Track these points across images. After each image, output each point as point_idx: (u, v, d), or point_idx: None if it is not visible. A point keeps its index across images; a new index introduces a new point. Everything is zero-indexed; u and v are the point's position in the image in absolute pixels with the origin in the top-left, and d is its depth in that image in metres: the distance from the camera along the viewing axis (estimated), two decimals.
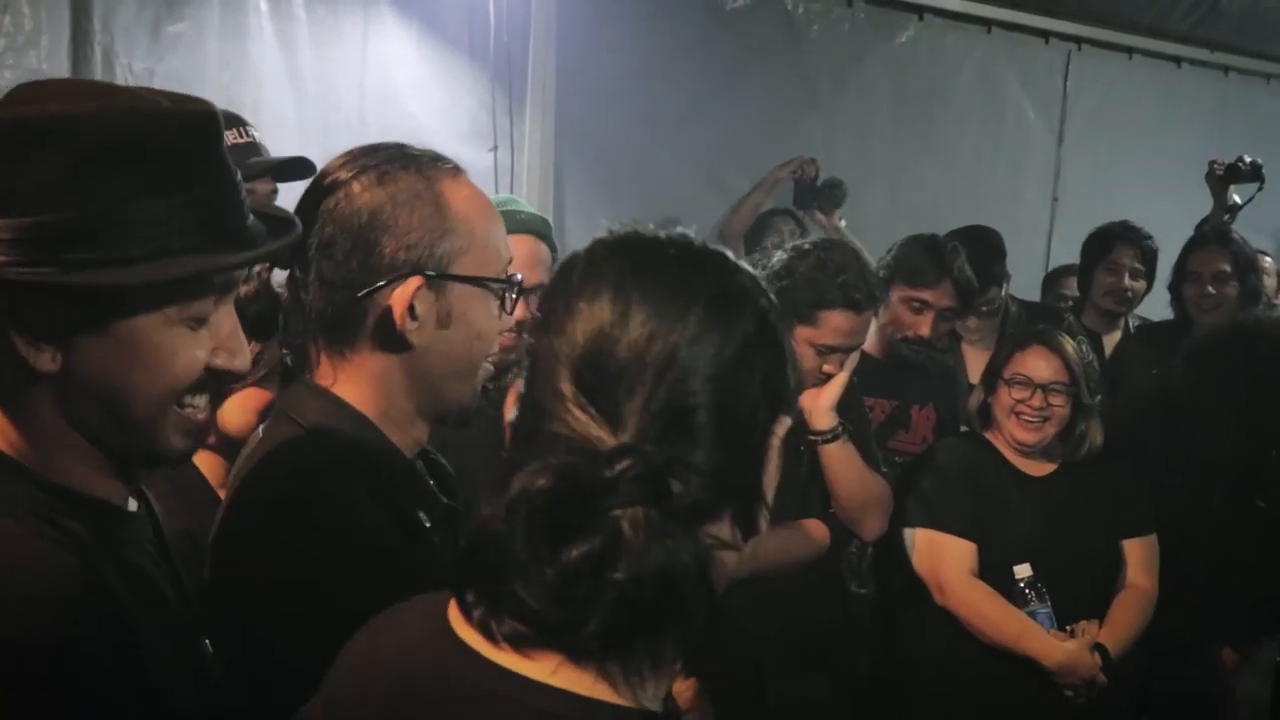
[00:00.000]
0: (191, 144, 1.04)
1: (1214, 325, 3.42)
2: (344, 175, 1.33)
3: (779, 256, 2.52)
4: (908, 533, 2.72)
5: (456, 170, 1.38)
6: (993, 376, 2.79)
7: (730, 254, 0.96)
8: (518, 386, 1.00)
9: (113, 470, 1.08)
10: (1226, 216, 4.24)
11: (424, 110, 3.73)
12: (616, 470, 0.81)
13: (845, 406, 2.66)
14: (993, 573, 2.65)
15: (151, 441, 1.07)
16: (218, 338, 1.08)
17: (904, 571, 2.75)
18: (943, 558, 2.66)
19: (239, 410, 1.83)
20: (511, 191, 3.71)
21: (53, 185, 0.96)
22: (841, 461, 2.51)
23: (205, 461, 1.86)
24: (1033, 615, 2.60)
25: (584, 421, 0.85)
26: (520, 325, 1.39)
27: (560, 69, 3.93)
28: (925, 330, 3.02)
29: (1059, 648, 2.56)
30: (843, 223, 4.14)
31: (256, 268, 1.36)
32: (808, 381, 2.48)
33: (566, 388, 0.87)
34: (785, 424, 0.93)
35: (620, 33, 4.10)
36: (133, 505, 1.14)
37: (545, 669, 0.85)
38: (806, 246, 2.53)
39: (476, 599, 0.88)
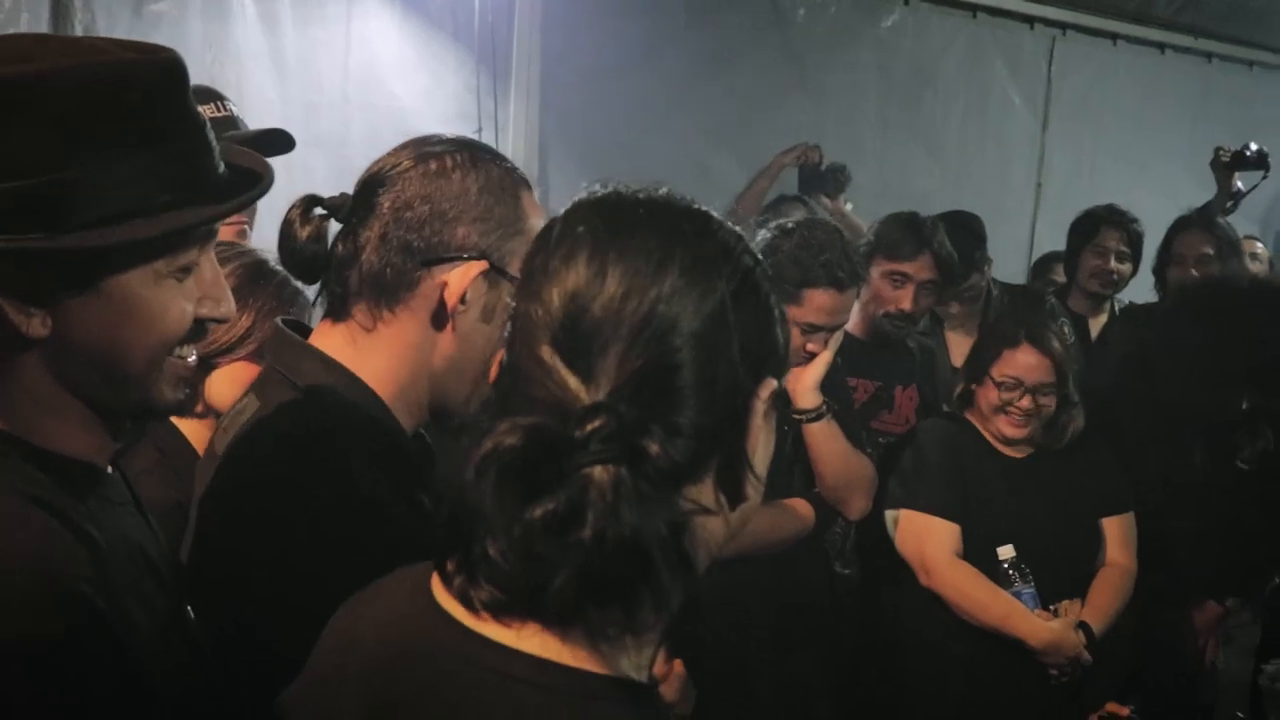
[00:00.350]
0: (163, 95, 1.02)
1: (1188, 280, 3.45)
2: (429, 153, 1.33)
3: (762, 235, 2.51)
4: (891, 514, 2.73)
5: (529, 183, 1.39)
6: (979, 370, 2.78)
7: (714, 212, 0.94)
8: (500, 355, 1.00)
9: (100, 429, 1.07)
10: (1230, 204, 4.26)
11: (408, 92, 3.72)
12: (588, 429, 0.79)
13: (829, 387, 2.66)
14: (976, 554, 2.66)
15: (146, 395, 1.07)
16: (202, 286, 1.08)
17: (887, 553, 2.76)
18: (927, 540, 2.67)
19: (228, 383, 1.81)
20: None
21: (30, 148, 0.94)
22: (826, 440, 2.52)
23: (194, 432, 1.84)
24: (1017, 596, 2.60)
25: (559, 382, 0.84)
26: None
27: (545, 51, 3.93)
28: (907, 304, 3.02)
29: (1044, 628, 2.57)
30: (849, 206, 4.15)
31: (314, 213, 1.34)
32: (792, 360, 2.48)
33: (544, 350, 0.86)
34: (770, 386, 0.91)
35: (606, 15, 4.09)
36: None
37: (525, 637, 0.83)
38: (789, 225, 2.53)
39: (456, 567, 0.87)
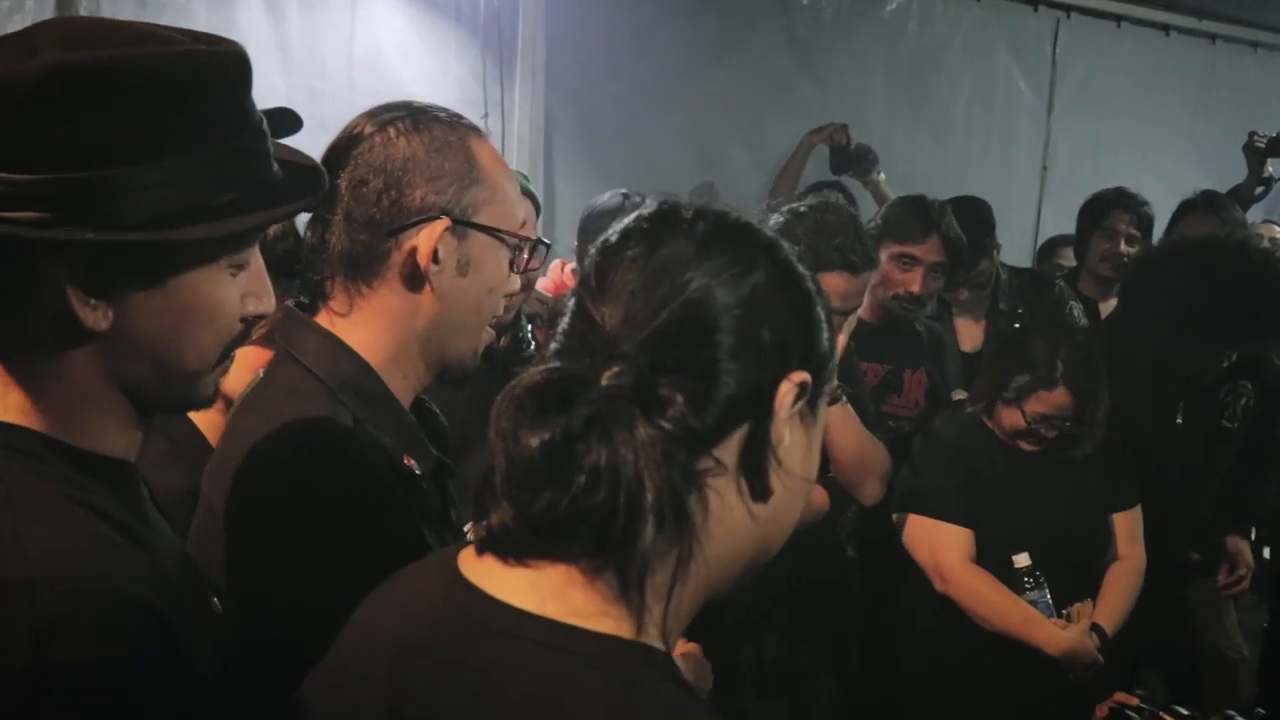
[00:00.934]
0: (231, 90, 1.01)
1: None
2: (376, 124, 1.36)
3: (775, 219, 2.51)
4: (901, 517, 2.71)
5: (479, 130, 1.42)
6: (1008, 395, 2.66)
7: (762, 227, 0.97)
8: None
9: (135, 424, 1.06)
10: (1260, 189, 4.24)
11: (413, 77, 3.70)
12: (609, 373, 0.84)
13: (843, 371, 2.65)
14: (989, 558, 2.64)
15: (193, 390, 1.07)
16: (250, 282, 1.08)
17: (892, 547, 2.75)
18: (940, 546, 2.64)
19: (239, 368, 1.81)
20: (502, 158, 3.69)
21: (99, 139, 0.92)
22: (841, 424, 2.51)
23: (203, 419, 1.84)
24: (1033, 603, 2.59)
25: (596, 329, 0.87)
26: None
27: (550, 36, 3.91)
28: (916, 286, 3.02)
29: (1061, 636, 2.55)
30: (882, 176, 4.16)
31: None
32: None
33: (589, 304, 0.89)
34: (801, 376, 0.91)
35: (610, 0, 4.08)
36: None
37: (549, 602, 0.85)
38: (802, 209, 2.52)
39: (477, 508, 0.89)
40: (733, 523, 0.91)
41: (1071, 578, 2.65)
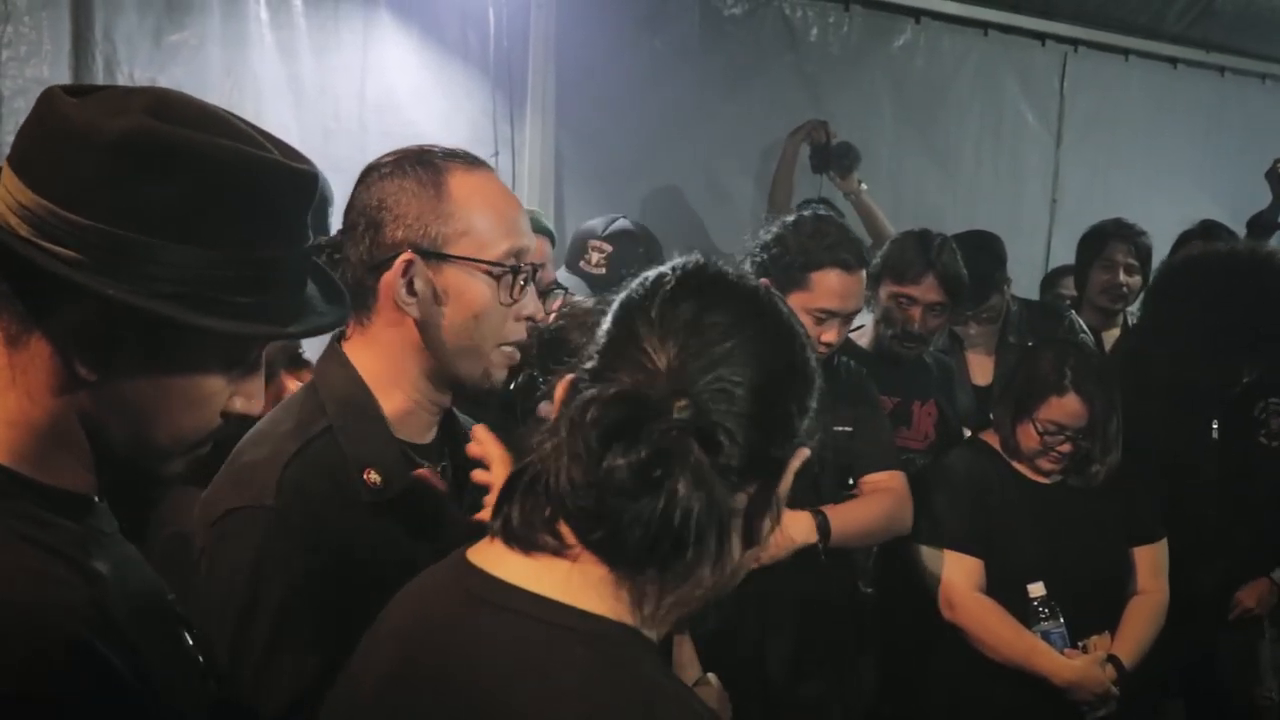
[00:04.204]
0: (287, 205, 1.06)
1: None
2: (368, 170, 1.49)
3: (770, 230, 2.57)
4: (915, 548, 2.71)
5: (474, 164, 1.50)
6: (1021, 410, 2.70)
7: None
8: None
9: (96, 470, 1.08)
10: None
11: (425, 117, 3.73)
12: (675, 405, 0.90)
13: (860, 398, 2.67)
14: (1004, 588, 2.64)
15: (159, 466, 1.09)
16: (244, 383, 1.10)
17: (908, 580, 2.74)
18: (950, 575, 2.66)
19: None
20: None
21: (158, 209, 0.96)
22: (849, 528, 2.53)
23: None
24: (1046, 635, 2.59)
25: (655, 362, 0.94)
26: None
27: (560, 75, 3.94)
28: (914, 326, 3.04)
29: (1068, 665, 2.54)
30: (863, 186, 4.13)
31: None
32: None
33: (645, 330, 0.97)
34: (803, 455, 1.00)
35: (619, 38, 4.12)
36: None
37: (549, 586, 0.92)
38: (792, 220, 2.58)
39: (518, 512, 0.95)
40: (733, 554, 0.99)
41: (1089, 610, 2.64)
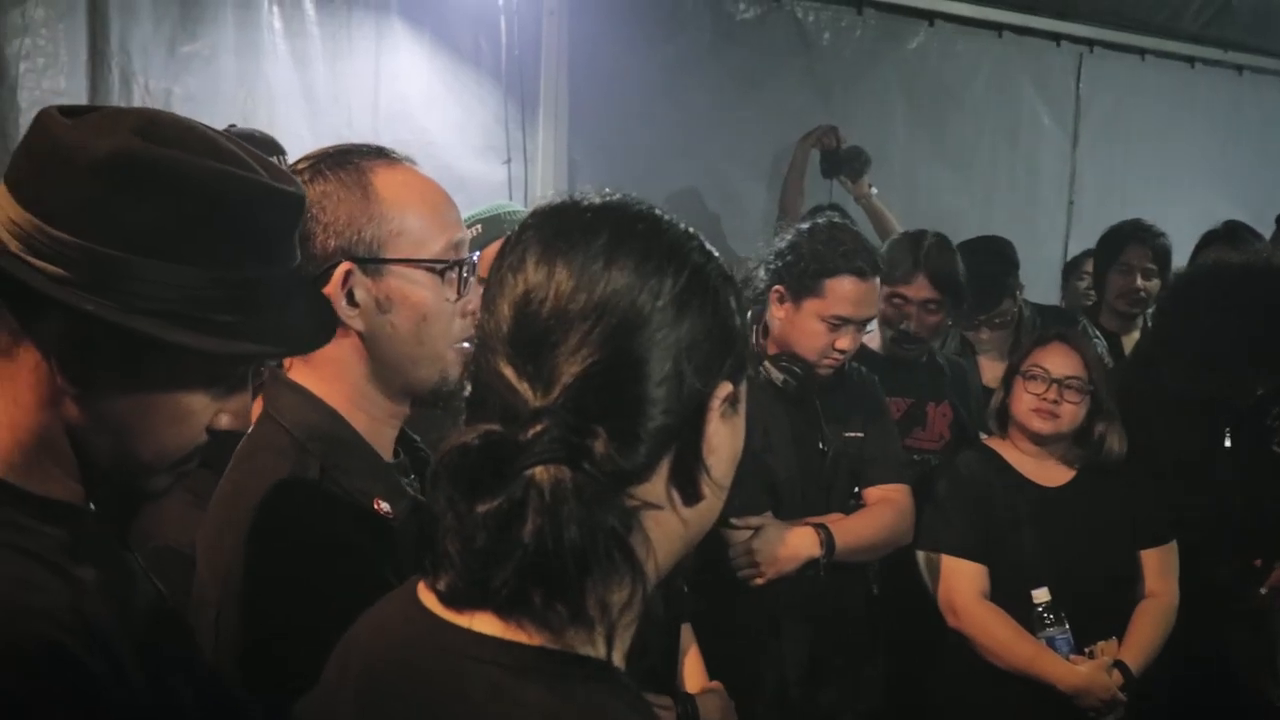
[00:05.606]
0: (277, 227, 1.07)
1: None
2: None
3: (784, 237, 2.57)
4: (918, 555, 2.71)
5: (395, 160, 1.40)
6: (1011, 373, 2.79)
7: (664, 212, 0.95)
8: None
9: (82, 476, 1.09)
10: None
11: (438, 125, 3.76)
12: (531, 433, 0.83)
13: (869, 406, 2.67)
14: (1009, 592, 2.63)
15: (143, 482, 1.10)
16: (230, 400, 1.11)
17: (913, 584, 2.74)
18: (953, 582, 2.65)
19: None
20: (525, 204, 3.73)
21: (142, 227, 0.98)
22: (855, 543, 2.55)
23: None
24: (1051, 640, 2.57)
25: (512, 390, 0.87)
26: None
27: (572, 82, 3.96)
28: (911, 324, 3.06)
29: (1073, 671, 2.52)
30: (873, 190, 4.12)
31: None
32: (823, 360, 2.52)
33: (499, 361, 0.88)
34: (726, 389, 0.92)
35: (631, 44, 4.13)
36: None
37: (495, 624, 0.87)
38: (807, 226, 2.58)
39: (431, 564, 0.91)
40: (667, 535, 0.93)
41: (1096, 615, 2.62)
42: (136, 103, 3.28)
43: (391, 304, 1.36)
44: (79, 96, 3.20)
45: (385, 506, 1.36)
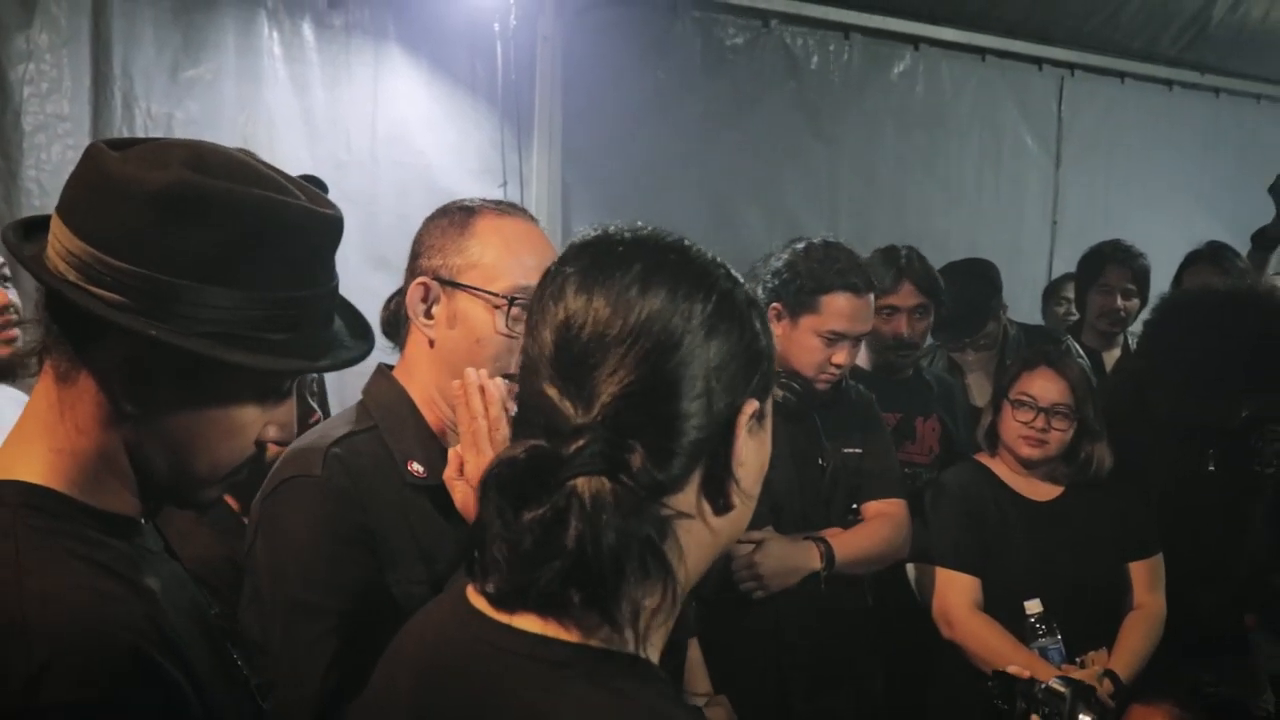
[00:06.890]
0: (320, 246, 1.13)
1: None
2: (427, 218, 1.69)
3: (781, 257, 2.63)
4: (910, 567, 2.76)
5: (505, 210, 1.64)
6: (999, 396, 2.84)
7: (691, 243, 1.02)
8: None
9: (140, 491, 1.14)
10: None
11: (434, 148, 3.80)
12: (573, 448, 0.90)
13: (866, 423, 2.72)
14: (1001, 604, 2.67)
15: (198, 494, 1.16)
16: (277, 413, 1.17)
17: (908, 594, 2.78)
18: (947, 593, 2.70)
19: None
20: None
21: (198, 255, 1.03)
22: (855, 555, 2.60)
23: None
24: (1043, 650, 2.61)
25: (556, 409, 0.93)
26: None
27: (566, 106, 4.01)
28: (902, 331, 3.19)
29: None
30: None
31: (393, 301, 1.72)
32: (820, 376, 2.58)
33: (543, 383, 0.95)
34: (753, 406, 0.98)
35: (623, 69, 4.19)
36: None
37: (536, 623, 0.93)
38: (803, 245, 2.63)
39: (480, 568, 0.97)
40: (698, 543, 0.99)
41: (1087, 626, 2.67)
42: (139, 127, 3.31)
43: (457, 322, 1.59)
44: (82, 121, 3.24)
45: (418, 467, 1.58)
